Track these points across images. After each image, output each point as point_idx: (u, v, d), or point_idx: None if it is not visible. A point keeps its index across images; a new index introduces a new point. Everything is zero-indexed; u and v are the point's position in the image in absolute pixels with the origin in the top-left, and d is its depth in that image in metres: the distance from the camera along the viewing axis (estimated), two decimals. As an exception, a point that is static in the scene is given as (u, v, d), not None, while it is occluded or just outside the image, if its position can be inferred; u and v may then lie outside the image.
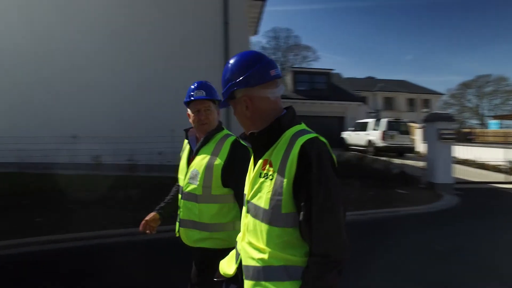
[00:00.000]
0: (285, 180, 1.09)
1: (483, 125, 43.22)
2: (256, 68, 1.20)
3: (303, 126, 1.23)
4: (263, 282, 1.12)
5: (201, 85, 1.93)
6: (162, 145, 7.44)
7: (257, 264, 1.14)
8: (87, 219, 5.23)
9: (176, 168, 2.06)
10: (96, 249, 4.36)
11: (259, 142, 1.23)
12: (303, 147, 1.09)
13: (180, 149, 2.13)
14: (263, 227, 1.13)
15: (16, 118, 7.94)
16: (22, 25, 8.21)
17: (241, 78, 1.20)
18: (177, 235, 1.98)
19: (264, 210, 1.13)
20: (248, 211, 1.22)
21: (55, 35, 8.17)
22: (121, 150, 6.87)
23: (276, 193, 1.10)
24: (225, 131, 1.95)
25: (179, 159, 2.06)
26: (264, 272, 1.12)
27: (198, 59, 8.37)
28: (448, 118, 9.34)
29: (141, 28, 8.34)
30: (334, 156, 1.15)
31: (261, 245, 1.14)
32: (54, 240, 4.53)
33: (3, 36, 8.15)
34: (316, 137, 1.14)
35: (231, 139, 1.86)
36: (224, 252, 1.52)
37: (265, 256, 1.12)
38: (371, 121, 16.72)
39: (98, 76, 8.11)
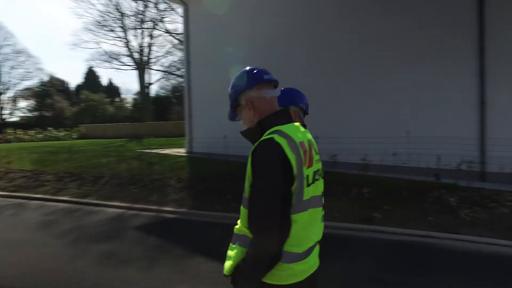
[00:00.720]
0: (247, 171, 1.36)
1: None
2: (251, 74, 1.50)
3: (282, 127, 1.39)
4: (231, 244, 1.47)
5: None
6: (397, 146, 7.20)
7: (234, 232, 1.49)
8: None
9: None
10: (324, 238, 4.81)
11: (248, 139, 1.50)
12: (255, 146, 1.34)
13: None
14: (241, 207, 1.42)
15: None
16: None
17: (241, 84, 1.49)
18: None
19: (243, 194, 1.43)
20: None
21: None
22: (356, 150, 7.24)
23: (245, 181, 1.39)
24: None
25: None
26: (234, 237, 1.47)
27: (447, 57, 7.47)
28: None
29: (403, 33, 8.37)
30: (289, 155, 1.29)
31: (239, 221, 1.46)
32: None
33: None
34: (269, 138, 1.32)
35: None
36: None
37: (238, 227, 1.46)
38: None
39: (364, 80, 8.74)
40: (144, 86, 35.97)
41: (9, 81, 44.49)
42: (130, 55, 35.46)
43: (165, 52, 37.54)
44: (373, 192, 6.43)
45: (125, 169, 9.42)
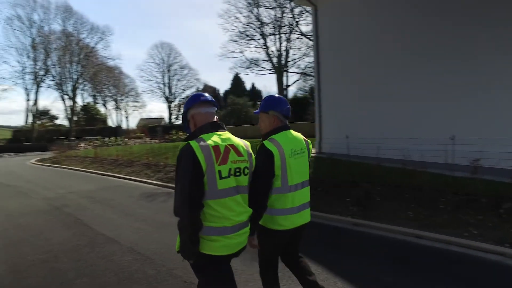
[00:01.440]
0: None
1: None
2: (192, 97, 2.10)
3: (204, 135, 1.89)
4: None
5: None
6: None
7: None
8: (455, 222, 4.98)
9: None
10: (451, 258, 4.09)
11: None
12: (179, 148, 1.87)
13: None
14: None
15: (400, 122, 9.05)
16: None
17: (187, 104, 2.07)
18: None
19: None
20: None
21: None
22: (506, 153, 5.78)
23: None
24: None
25: None
26: None
27: None
28: None
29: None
30: (198, 155, 1.77)
31: None
32: (416, 235, 4.74)
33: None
34: (186, 144, 1.84)
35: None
36: None
37: None
38: None
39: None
40: (282, 88, 37.95)
41: (176, 91, 55.08)
42: (269, 60, 37.97)
43: (302, 54, 38.63)
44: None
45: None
